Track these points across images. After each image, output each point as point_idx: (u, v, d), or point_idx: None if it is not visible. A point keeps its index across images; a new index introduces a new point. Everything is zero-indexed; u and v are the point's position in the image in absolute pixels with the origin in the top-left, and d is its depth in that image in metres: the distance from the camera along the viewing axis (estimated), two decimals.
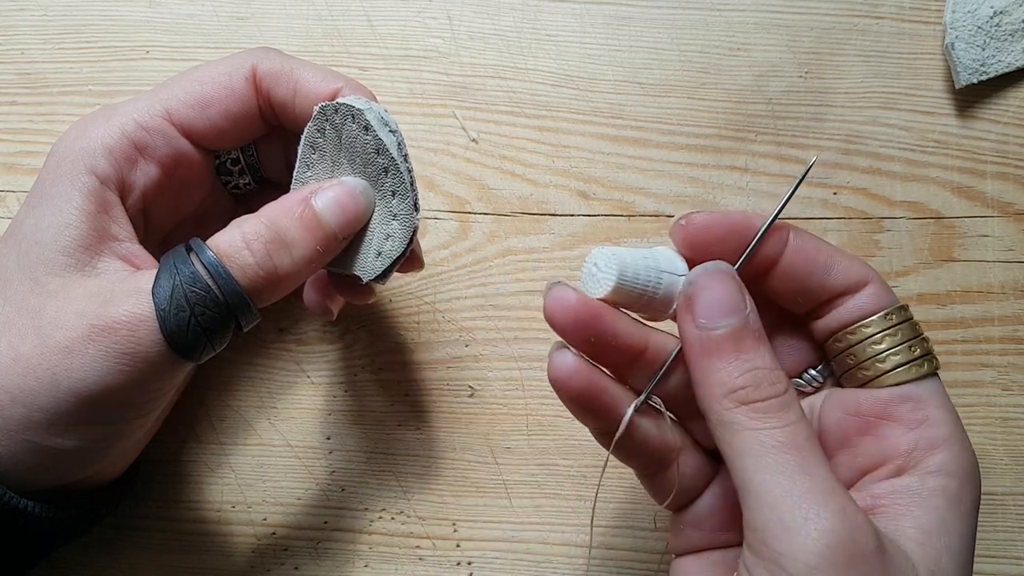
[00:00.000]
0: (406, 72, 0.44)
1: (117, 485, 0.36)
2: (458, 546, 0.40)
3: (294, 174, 0.34)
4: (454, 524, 0.41)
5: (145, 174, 0.33)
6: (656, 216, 0.43)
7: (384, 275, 0.33)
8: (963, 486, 0.27)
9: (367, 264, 0.33)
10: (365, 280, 0.33)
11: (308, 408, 0.42)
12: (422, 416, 0.42)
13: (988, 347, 0.42)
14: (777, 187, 0.43)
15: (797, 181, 0.30)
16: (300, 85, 0.33)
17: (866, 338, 0.29)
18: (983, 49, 0.43)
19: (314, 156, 0.34)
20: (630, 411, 0.30)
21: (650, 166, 0.43)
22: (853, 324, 0.29)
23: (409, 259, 0.34)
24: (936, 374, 0.29)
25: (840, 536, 0.24)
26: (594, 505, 0.38)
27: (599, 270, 0.29)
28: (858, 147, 0.44)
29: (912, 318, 0.30)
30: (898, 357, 0.29)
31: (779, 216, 0.29)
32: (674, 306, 0.29)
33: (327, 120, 0.32)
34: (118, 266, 0.31)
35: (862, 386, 0.30)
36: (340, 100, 0.32)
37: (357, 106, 0.31)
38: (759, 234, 0.29)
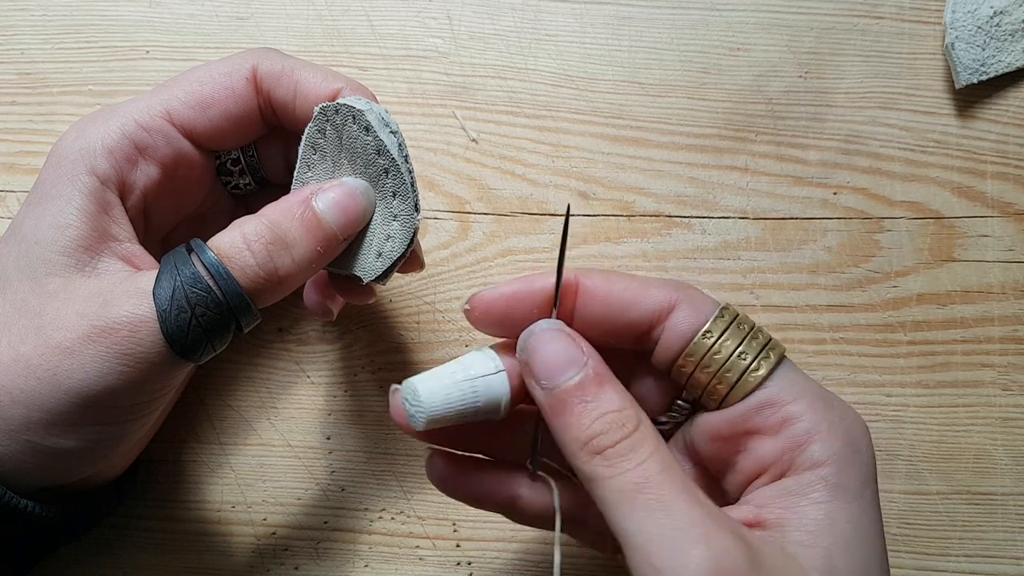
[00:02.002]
0: (406, 72, 0.44)
1: (117, 485, 0.36)
2: (458, 546, 0.40)
3: (295, 174, 0.34)
4: (454, 524, 0.41)
5: (145, 174, 0.33)
6: (656, 216, 0.43)
7: (384, 276, 0.33)
8: (842, 469, 0.26)
9: (367, 265, 0.33)
10: (366, 281, 0.33)
11: (308, 408, 0.42)
12: None
13: (988, 347, 0.42)
14: (777, 187, 0.43)
15: (563, 228, 0.29)
16: (300, 86, 0.33)
17: (696, 365, 0.29)
18: (983, 49, 0.43)
19: (315, 156, 0.34)
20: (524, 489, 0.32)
21: (650, 166, 0.43)
22: (680, 351, 0.29)
23: (409, 260, 0.34)
24: (783, 359, 0.29)
25: (708, 565, 0.24)
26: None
27: (411, 406, 0.29)
28: (858, 147, 0.44)
29: (734, 320, 0.29)
30: (731, 373, 0.28)
31: (563, 262, 0.29)
32: (503, 403, 0.30)
33: (328, 121, 0.32)
34: (118, 266, 0.31)
35: (721, 403, 0.29)
36: (341, 101, 0.32)
37: (358, 107, 0.31)
38: (557, 283, 0.29)
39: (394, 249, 0.33)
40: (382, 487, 0.41)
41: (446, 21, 0.44)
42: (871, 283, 0.43)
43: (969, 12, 0.43)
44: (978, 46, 0.43)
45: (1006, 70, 0.43)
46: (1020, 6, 0.43)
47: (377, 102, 0.34)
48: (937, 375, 0.42)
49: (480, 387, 0.29)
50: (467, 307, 0.30)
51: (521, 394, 0.30)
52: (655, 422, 0.31)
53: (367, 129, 0.31)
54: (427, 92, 0.44)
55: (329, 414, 0.42)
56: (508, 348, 0.30)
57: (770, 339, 0.29)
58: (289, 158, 0.37)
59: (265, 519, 0.40)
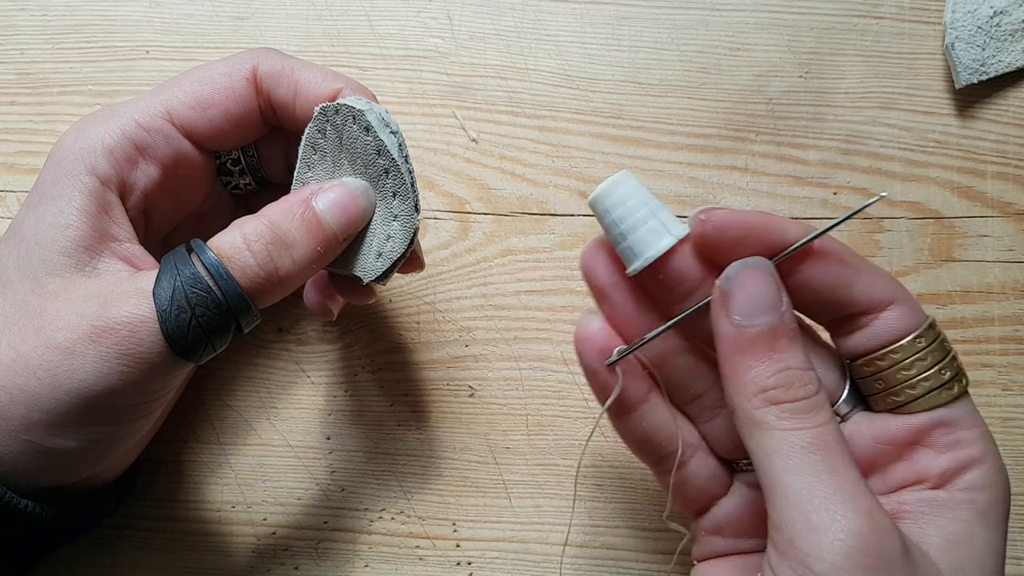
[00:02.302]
0: (406, 72, 0.44)
1: (117, 485, 0.36)
2: (458, 546, 0.40)
3: (295, 174, 0.34)
4: (454, 524, 0.41)
5: (145, 174, 0.33)
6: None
7: (385, 276, 0.33)
8: (993, 501, 0.27)
9: (368, 265, 0.33)
10: (366, 281, 0.33)
11: (308, 408, 0.42)
12: (422, 416, 0.42)
13: (988, 347, 0.42)
14: (777, 187, 0.43)
15: (857, 210, 0.29)
16: (301, 86, 0.33)
17: (894, 364, 0.28)
18: (983, 49, 0.43)
19: (315, 156, 0.33)
20: (615, 357, 0.30)
21: (650, 166, 0.43)
22: (879, 350, 0.29)
23: (410, 260, 0.34)
24: (967, 392, 0.29)
25: (867, 538, 0.24)
26: (577, 474, 0.37)
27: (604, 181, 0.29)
28: (858, 147, 0.44)
29: (941, 336, 0.29)
30: (928, 383, 0.28)
31: (824, 233, 0.28)
32: (643, 259, 0.29)
33: (328, 121, 0.32)
34: (119, 267, 0.31)
35: (892, 410, 0.29)
36: (341, 101, 0.32)
37: (358, 107, 0.31)
38: (801, 243, 0.28)
39: (394, 249, 0.33)
40: (382, 487, 0.41)
41: (446, 21, 0.44)
42: None
43: (969, 12, 0.43)
44: (978, 46, 0.43)
45: (1006, 70, 0.43)
46: (1020, 6, 0.43)
47: (377, 102, 0.34)
48: None
49: (649, 226, 0.29)
50: (701, 216, 0.28)
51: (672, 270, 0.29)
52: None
53: (367, 129, 0.31)
54: (427, 92, 0.44)
55: (329, 414, 0.42)
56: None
57: (962, 369, 0.29)
58: (289, 158, 0.37)
59: (265, 519, 0.40)
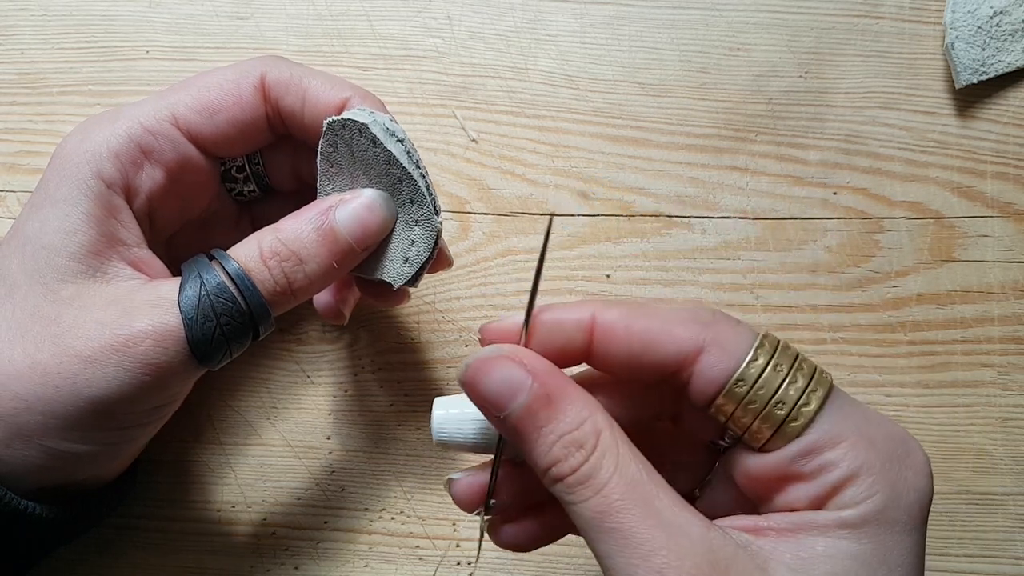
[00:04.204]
0: (406, 72, 0.44)
1: (117, 485, 0.36)
2: (458, 546, 0.40)
3: (317, 188, 0.35)
4: (454, 524, 0.41)
5: (151, 178, 0.33)
6: (656, 216, 0.43)
7: (414, 280, 0.34)
8: (869, 513, 0.25)
9: (396, 270, 0.34)
10: (396, 286, 0.34)
11: (308, 408, 0.42)
12: (422, 416, 0.42)
13: (988, 347, 0.42)
14: (777, 187, 0.43)
15: (543, 243, 0.27)
16: (309, 94, 0.33)
17: (740, 401, 0.26)
18: (983, 49, 0.43)
19: (332, 170, 0.34)
20: (481, 524, 0.31)
21: (650, 166, 0.43)
22: (714, 396, 0.27)
23: (437, 259, 0.34)
24: (832, 390, 0.26)
25: None
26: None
27: (433, 424, 0.30)
28: (858, 147, 0.44)
29: (775, 348, 0.26)
30: (767, 424, 0.26)
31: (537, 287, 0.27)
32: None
33: (337, 135, 0.32)
34: (128, 272, 0.31)
35: (764, 444, 0.27)
36: (345, 115, 0.32)
37: (361, 120, 0.31)
38: (529, 307, 0.27)
39: (420, 253, 0.33)
40: (382, 487, 0.41)
41: (446, 21, 0.44)
42: (871, 283, 0.43)
43: (969, 12, 0.43)
44: (978, 46, 0.43)
45: (1006, 70, 0.43)
46: (1020, 6, 0.43)
47: (385, 109, 0.34)
48: (937, 375, 0.42)
49: (492, 430, 0.29)
50: (479, 336, 0.29)
51: None
52: (713, 443, 0.30)
53: (374, 142, 0.31)
54: (427, 92, 0.44)
55: (329, 414, 0.42)
56: None
57: (815, 369, 0.27)
58: (295, 167, 0.37)
59: (265, 519, 0.40)
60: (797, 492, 0.26)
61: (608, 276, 0.42)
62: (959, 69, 0.43)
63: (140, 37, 0.44)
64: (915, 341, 0.42)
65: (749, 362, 0.26)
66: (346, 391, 0.42)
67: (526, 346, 0.28)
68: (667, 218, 0.43)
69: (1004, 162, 0.43)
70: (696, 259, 0.43)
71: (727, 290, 0.42)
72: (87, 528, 0.35)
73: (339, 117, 0.32)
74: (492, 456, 0.30)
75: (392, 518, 0.41)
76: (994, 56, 0.43)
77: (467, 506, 0.30)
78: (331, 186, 0.34)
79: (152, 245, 0.33)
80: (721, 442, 0.30)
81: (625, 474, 0.25)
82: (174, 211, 0.35)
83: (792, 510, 0.26)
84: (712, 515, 0.30)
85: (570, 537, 0.40)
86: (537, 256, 0.27)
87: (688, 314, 0.27)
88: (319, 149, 0.33)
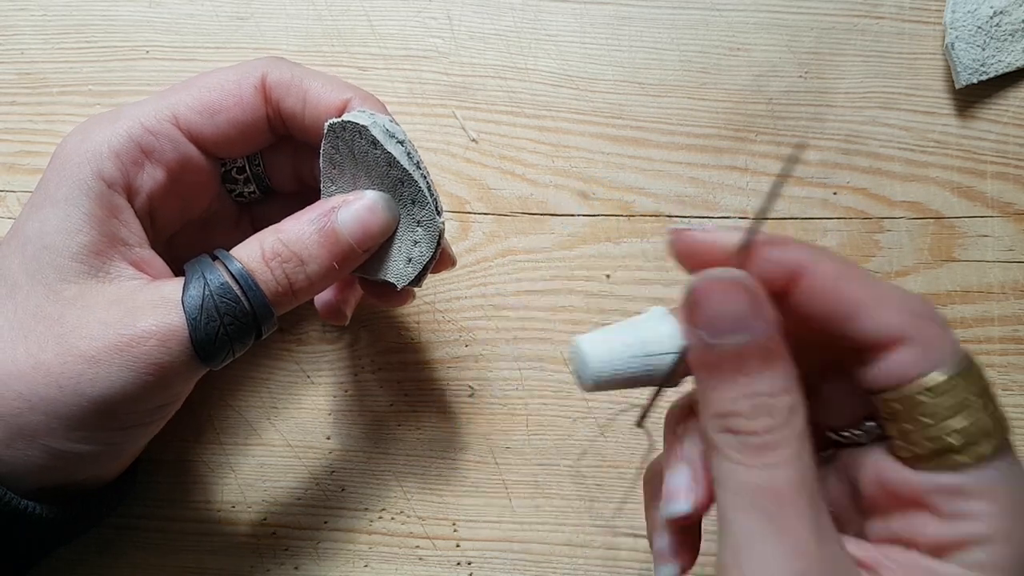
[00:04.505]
0: (406, 72, 0.44)
1: (117, 485, 0.36)
2: (458, 546, 0.41)
3: (321, 190, 0.35)
4: (454, 524, 0.41)
5: (151, 178, 0.33)
6: (656, 216, 0.43)
7: (418, 280, 0.34)
8: None
9: (399, 271, 0.34)
10: (400, 286, 0.34)
11: (308, 408, 0.42)
12: (422, 416, 0.42)
13: (988, 347, 0.42)
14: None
15: (784, 172, 0.26)
16: (310, 95, 0.33)
17: (896, 414, 0.25)
18: (983, 49, 0.43)
19: (335, 171, 0.34)
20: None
21: (650, 166, 0.43)
22: (889, 389, 0.25)
23: (441, 259, 0.34)
24: (1005, 446, 0.24)
25: None
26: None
27: (581, 363, 0.27)
28: (858, 147, 0.44)
29: (973, 377, 0.24)
30: (932, 443, 0.24)
31: (765, 217, 0.25)
32: (679, 379, 0.27)
33: (338, 137, 0.33)
34: (131, 272, 0.31)
35: (910, 457, 0.25)
36: (346, 117, 0.32)
37: (361, 122, 0.31)
38: (753, 233, 0.25)
39: (423, 254, 0.33)
40: (382, 487, 0.41)
41: (446, 21, 0.44)
42: None
43: (969, 12, 0.43)
44: (978, 46, 0.43)
45: (1006, 70, 0.43)
46: (1020, 6, 0.43)
47: (386, 111, 0.34)
48: None
49: (654, 365, 0.26)
50: (670, 238, 0.27)
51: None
52: (836, 432, 0.28)
53: (374, 144, 0.31)
54: (427, 92, 0.44)
55: (329, 414, 0.42)
56: None
57: (1002, 417, 0.24)
58: (296, 168, 0.37)
59: (265, 519, 0.40)
60: (924, 525, 0.24)
61: (608, 276, 0.42)
62: (959, 69, 0.43)
63: (140, 37, 0.44)
64: None
65: (950, 377, 0.24)
66: (346, 391, 0.42)
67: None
68: (667, 218, 0.43)
69: (1004, 162, 0.43)
70: None
71: None
72: (87, 528, 0.35)
73: (339, 119, 0.32)
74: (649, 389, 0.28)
75: (392, 518, 0.41)
76: (994, 56, 0.43)
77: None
78: (334, 187, 0.34)
79: (153, 245, 0.34)
80: (849, 434, 0.28)
81: (801, 465, 0.23)
82: (174, 211, 0.35)
83: (909, 542, 0.25)
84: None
85: (570, 537, 0.41)
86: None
87: (903, 298, 0.25)
88: (321, 151, 0.33)
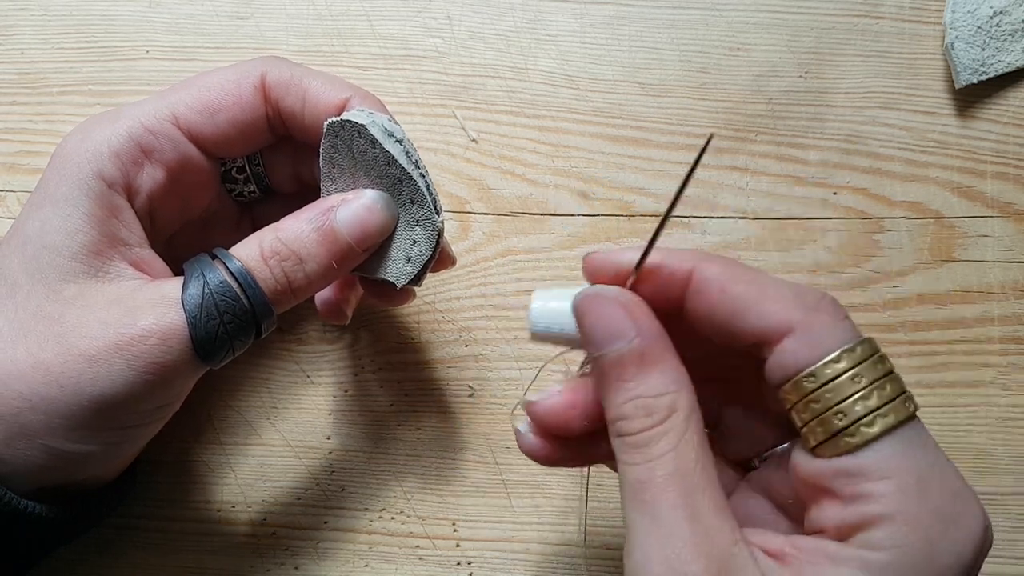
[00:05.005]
0: (406, 72, 0.44)
1: (117, 485, 0.36)
2: (458, 546, 0.40)
3: (321, 188, 0.35)
4: (454, 524, 0.41)
5: (151, 177, 0.33)
6: (656, 216, 0.43)
7: (417, 279, 0.34)
8: (894, 562, 0.23)
9: (399, 270, 0.34)
10: (400, 286, 0.34)
11: (308, 408, 0.42)
12: (422, 416, 0.42)
13: (988, 347, 0.42)
14: (777, 187, 0.43)
15: (689, 170, 0.26)
16: (309, 95, 0.33)
17: (790, 404, 0.26)
18: (983, 49, 0.43)
19: (334, 171, 0.34)
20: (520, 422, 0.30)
21: (650, 166, 0.43)
22: (783, 382, 0.26)
23: (440, 259, 0.34)
24: (911, 420, 0.25)
25: None
26: (584, 510, 0.38)
27: (529, 313, 0.29)
28: (858, 147, 0.44)
29: (868, 356, 0.25)
30: (822, 428, 0.25)
31: (665, 222, 0.27)
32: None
33: (337, 136, 0.33)
34: (130, 272, 0.31)
35: (815, 447, 0.26)
36: (344, 116, 0.32)
37: (360, 121, 0.31)
38: (647, 250, 0.27)
39: (422, 253, 0.33)
40: (382, 487, 0.41)
41: (446, 21, 0.44)
42: (871, 283, 0.43)
43: (969, 12, 0.43)
44: (978, 46, 0.43)
45: (1006, 70, 0.43)
46: (1020, 6, 0.43)
47: (385, 110, 0.34)
48: (937, 375, 0.42)
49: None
50: (582, 263, 0.29)
51: None
52: (749, 462, 0.29)
53: (373, 143, 0.31)
54: (427, 92, 0.44)
55: (329, 414, 0.42)
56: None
57: (899, 395, 0.25)
58: (295, 168, 0.37)
59: (265, 519, 0.40)
60: (829, 511, 0.25)
61: None
62: (959, 69, 0.43)
63: (140, 37, 0.44)
64: (915, 341, 0.42)
65: (828, 361, 0.25)
66: (346, 391, 0.42)
67: (634, 287, 0.28)
68: None
69: (1004, 162, 0.43)
70: None
71: None
72: (87, 528, 0.35)
73: (338, 118, 0.32)
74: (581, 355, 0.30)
75: (392, 518, 0.41)
76: (994, 56, 0.43)
77: (539, 460, 0.30)
78: (334, 186, 0.34)
79: (152, 245, 0.34)
80: (758, 464, 0.29)
81: (680, 458, 0.25)
82: (174, 211, 0.35)
83: (819, 529, 0.25)
84: (752, 518, 0.29)
85: (570, 537, 0.41)
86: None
87: (791, 292, 0.26)
88: (321, 150, 0.33)
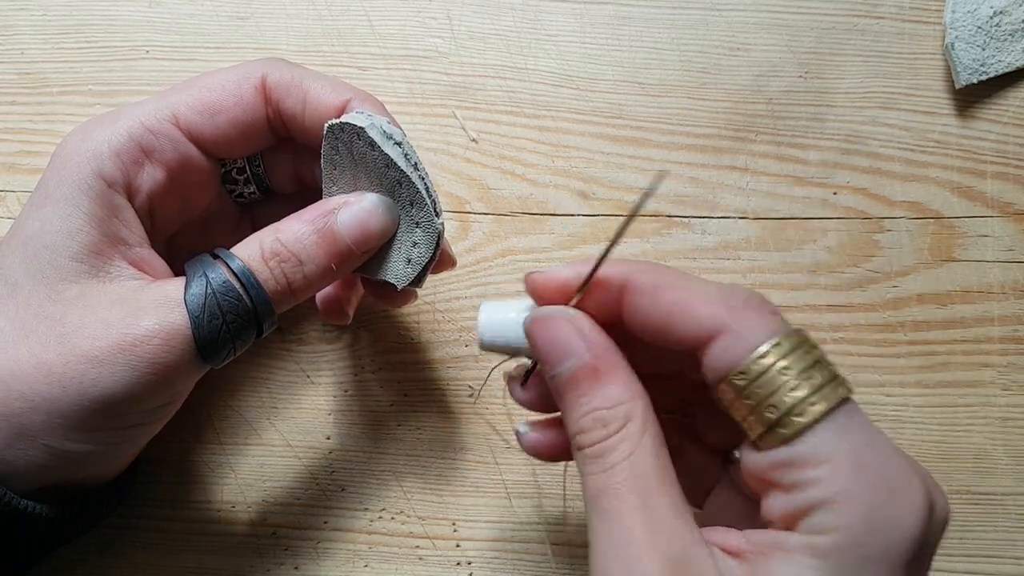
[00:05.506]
0: (406, 72, 0.44)
1: (117, 485, 0.36)
2: (458, 546, 0.40)
3: (323, 190, 0.35)
4: (454, 524, 0.41)
5: (151, 177, 0.33)
6: (656, 216, 0.43)
7: (417, 280, 0.34)
8: (842, 544, 0.24)
9: (399, 271, 0.34)
10: (400, 287, 0.34)
11: (308, 408, 0.42)
12: (422, 416, 0.42)
13: (988, 347, 0.42)
14: (777, 187, 0.43)
15: (637, 206, 0.26)
16: (309, 96, 0.33)
17: (736, 396, 0.26)
18: (983, 49, 0.43)
19: (336, 172, 0.34)
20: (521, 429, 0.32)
21: (650, 166, 0.43)
22: (717, 383, 0.26)
23: (440, 260, 0.35)
24: (845, 403, 0.25)
25: None
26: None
27: (478, 324, 0.30)
28: (858, 147, 0.44)
29: (795, 347, 0.25)
30: (758, 424, 0.25)
31: (609, 253, 0.27)
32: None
33: (337, 138, 0.33)
34: (131, 272, 0.31)
35: (755, 443, 0.26)
36: (344, 119, 0.32)
37: (359, 124, 0.31)
38: (593, 270, 0.28)
39: (422, 255, 0.33)
40: (382, 487, 0.41)
41: (446, 21, 0.44)
42: (871, 283, 0.43)
43: (969, 12, 0.43)
44: (978, 46, 0.43)
45: (1006, 70, 0.43)
46: (1020, 6, 0.43)
47: (386, 111, 0.34)
48: (937, 375, 0.42)
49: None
50: (524, 281, 0.30)
51: None
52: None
53: (372, 145, 0.32)
54: (427, 92, 0.44)
55: (329, 414, 0.42)
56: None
57: (830, 381, 0.25)
58: (296, 169, 0.37)
59: (265, 519, 0.40)
60: (776, 502, 0.26)
61: None
62: (959, 69, 0.43)
63: (140, 37, 0.44)
64: (915, 341, 0.42)
65: (756, 358, 0.25)
66: (346, 391, 0.42)
67: (580, 304, 0.28)
68: (667, 218, 0.43)
69: (1004, 162, 0.43)
70: (696, 259, 0.43)
71: None
72: (87, 528, 0.35)
73: (338, 121, 0.32)
74: (531, 362, 0.31)
75: (392, 518, 0.41)
76: (994, 56, 0.43)
77: (541, 456, 0.31)
78: (335, 188, 0.34)
79: (153, 245, 0.34)
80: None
81: (637, 464, 0.26)
82: (174, 211, 0.35)
83: (769, 522, 0.26)
84: (719, 516, 0.29)
85: (570, 538, 0.41)
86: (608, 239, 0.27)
87: (719, 293, 0.27)
88: (322, 152, 0.33)
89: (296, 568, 0.40)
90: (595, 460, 0.26)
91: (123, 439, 0.31)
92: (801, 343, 0.26)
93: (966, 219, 0.43)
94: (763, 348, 0.25)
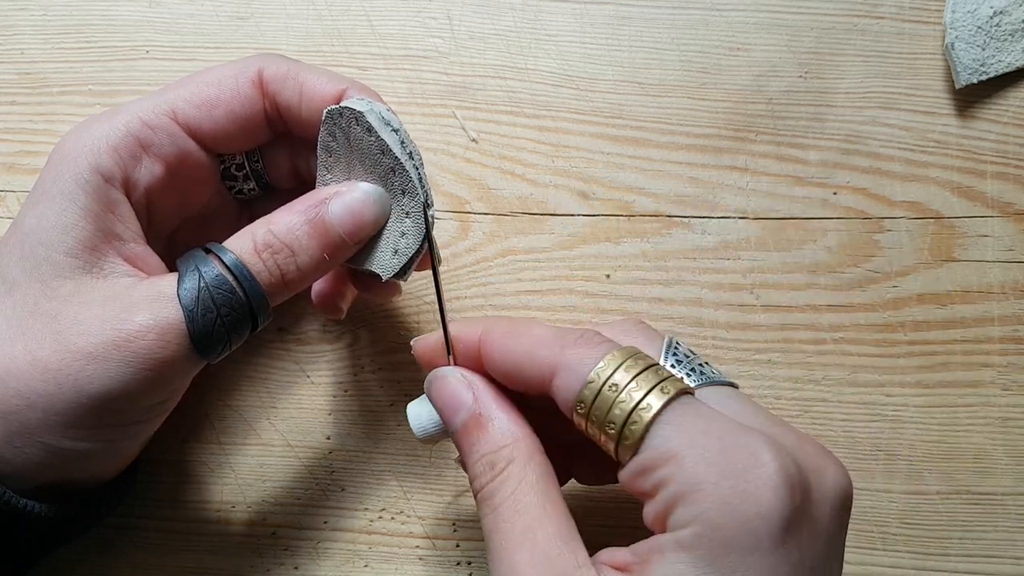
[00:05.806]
0: (406, 72, 0.44)
1: (117, 485, 0.36)
2: (458, 546, 0.40)
3: (316, 178, 0.35)
4: (454, 524, 0.41)
5: (149, 172, 0.33)
6: (656, 216, 0.43)
7: (402, 272, 0.34)
8: (702, 534, 0.24)
9: (385, 262, 0.34)
10: (385, 278, 0.34)
11: (308, 408, 0.42)
12: None
13: (988, 347, 0.42)
14: (777, 187, 0.43)
15: (435, 281, 0.33)
16: (306, 88, 0.33)
17: (585, 423, 0.28)
18: (983, 49, 0.43)
19: (330, 160, 0.34)
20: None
21: (650, 166, 0.43)
22: (570, 415, 0.28)
23: (425, 256, 0.34)
24: (680, 396, 0.26)
25: None
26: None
27: (410, 424, 0.33)
28: (858, 147, 0.44)
29: (620, 364, 0.27)
30: (609, 445, 0.27)
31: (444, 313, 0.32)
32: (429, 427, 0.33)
33: (335, 124, 0.33)
34: (124, 268, 0.31)
35: (619, 462, 0.28)
36: (344, 103, 0.32)
37: (358, 108, 0.31)
38: (445, 333, 0.32)
39: (409, 246, 0.33)
40: (382, 487, 0.41)
41: (446, 21, 0.44)
42: (871, 283, 0.43)
43: (969, 12, 0.43)
44: (978, 46, 0.43)
45: (1006, 70, 0.43)
46: (1020, 6, 0.43)
47: (383, 101, 0.34)
48: (937, 375, 0.42)
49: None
50: (414, 352, 0.33)
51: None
52: None
53: (369, 130, 0.31)
54: (427, 92, 0.44)
55: (329, 414, 0.42)
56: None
57: (656, 384, 0.27)
58: (294, 165, 0.37)
59: (265, 519, 0.40)
60: (647, 509, 0.27)
61: (608, 276, 0.42)
62: (959, 69, 0.43)
63: (140, 37, 0.44)
64: (915, 341, 0.42)
65: (587, 383, 0.27)
66: (346, 391, 0.42)
67: (455, 362, 0.32)
68: (667, 218, 0.43)
69: (1004, 162, 0.43)
70: (696, 259, 0.43)
71: (727, 290, 0.42)
72: (87, 528, 0.35)
73: (338, 105, 0.32)
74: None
75: (392, 518, 0.41)
76: (994, 56, 0.43)
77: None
78: (329, 175, 0.34)
79: (151, 241, 0.34)
80: None
81: (519, 501, 0.28)
82: (173, 206, 0.35)
83: (649, 529, 0.27)
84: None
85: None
86: (435, 287, 0.32)
87: (554, 336, 0.29)
88: (319, 139, 0.33)
89: (296, 568, 0.40)
90: (486, 502, 0.28)
91: (121, 436, 0.31)
92: (627, 357, 0.27)
93: (966, 219, 0.43)
94: (591, 374, 0.27)
